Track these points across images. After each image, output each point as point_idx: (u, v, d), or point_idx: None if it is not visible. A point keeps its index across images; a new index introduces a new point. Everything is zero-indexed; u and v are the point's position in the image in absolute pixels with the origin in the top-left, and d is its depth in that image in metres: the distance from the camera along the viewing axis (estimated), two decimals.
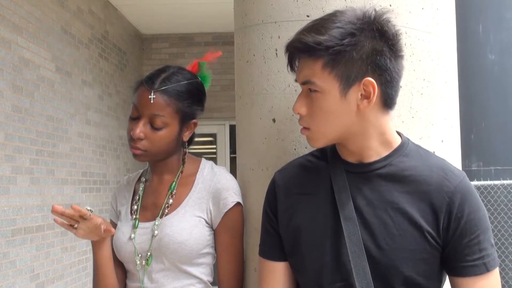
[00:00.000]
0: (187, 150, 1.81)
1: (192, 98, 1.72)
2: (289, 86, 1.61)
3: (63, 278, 5.23)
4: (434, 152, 1.60)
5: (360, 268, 1.26)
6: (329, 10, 1.57)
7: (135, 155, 1.69)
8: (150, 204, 1.75)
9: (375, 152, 1.34)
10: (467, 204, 1.28)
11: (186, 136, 1.74)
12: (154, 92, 1.66)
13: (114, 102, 6.78)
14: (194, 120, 1.75)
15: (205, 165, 1.77)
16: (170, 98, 1.67)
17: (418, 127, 1.59)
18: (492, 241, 1.31)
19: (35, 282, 4.68)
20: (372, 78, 1.26)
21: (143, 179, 1.83)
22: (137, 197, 1.79)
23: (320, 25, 1.28)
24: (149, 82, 1.69)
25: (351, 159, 1.36)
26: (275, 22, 1.63)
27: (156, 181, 1.78)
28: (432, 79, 1.62)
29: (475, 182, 5.01)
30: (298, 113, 1.33)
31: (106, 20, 6.68)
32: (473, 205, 1.29)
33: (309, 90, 1.30)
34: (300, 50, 1.29)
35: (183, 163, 1.78)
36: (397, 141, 1.36)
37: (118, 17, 7.15)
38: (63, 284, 5.23)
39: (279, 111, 1.62)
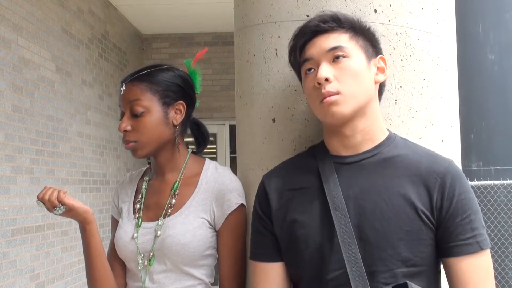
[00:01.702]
0: (197, 149, 1.82)
1: (168, 79, 1.72)
2: (289, 86, 1.61)
3: (63, 278, 5.23)
4: None
5: (351, 256, 1.28)
6: (329, 10, 1.57)
7: (132, 152, 1.70)
8: (153, 203, 1.75)
9: (370, 139, 1.39)
10: (458, 184, 1.32)
11: (177, 119, 1.72)
12: (125, 84, 1.71)
13: (114, 102, 6.78)
14: (180, 101, 1.72)
15: (209, 166, 1.76)
16: (142, 82, 1.70)
17: (418, 127, 1.59)
18: (483, 223, 1.34)
19: (35, 282, 4.69)
20: None
21: (146, 178, 1.82)
22: (140, 196, 1.78)
23: (334, 12, 1.43)
24: (122, 81, 1.74)
25: (343, 150, 1.40)
26: (275, 22, 1.63)
27: (159, 180, 1.77)
28: (432, 79, 1.62)
29: (475, 182, 5.01)
30: (326, 79, 1.32)
31: (106, 20, 6.68)
32: (464, 186, 1.33)
33: (334, 59, 1.35)
34: (328, 20, 1.37)
35: (187, 156, 1.77)
36: (385, 133, 1.43)
37: (118, 17, 7.15)
38: (63, 284, 5.23)
39: (279, 111, 1.62)
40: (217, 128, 8.22)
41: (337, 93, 1.33)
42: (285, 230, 1.40)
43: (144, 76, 1.71)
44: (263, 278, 1.45)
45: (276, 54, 1.63)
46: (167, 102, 1.70)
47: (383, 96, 1.55)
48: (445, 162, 1.37)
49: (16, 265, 4.37)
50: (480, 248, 1.30)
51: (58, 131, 5.19)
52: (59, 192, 1.61)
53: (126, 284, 1.78)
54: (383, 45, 1.57)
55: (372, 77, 1.39)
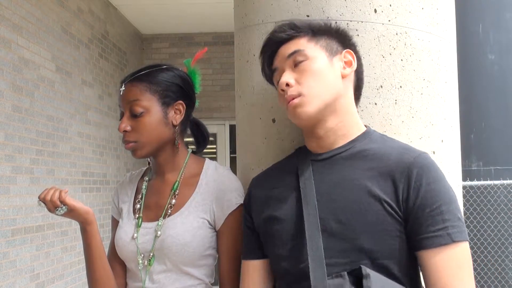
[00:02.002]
0: (195, 148, 1.82)
1: (167, 78, 1.73)
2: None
3: (63, 278, 5.23)
4: (434, 152, 1.61)
5: (314, 248, 1.30)
6: (329, 10, 1.57)
7: (131, 152, 1.70)
8: (153, 203, 1.75)
9: (343, 135, 1.40)
10: (426, 174, 1.28)
11: (177, 119, 1.72)
12: (124, 84, 1.71)
13: (114, 102, 6.78)
14: (180, 101, 1.73)
15: (209, 166, 1.76)
16: (141, 82, 1.70)
17: (418, 127, 1.59)
18: (460, 215, 1.29)
19: (35, 282, 4.69)
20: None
21: (146, 178, 1.82)
22: (140, 196, 1.78)
23: (291, 20, 1.48)
24: (122, 81, 1.74)
25: (319, 150, 1.42)
26: (275, 22, 1.63)
27: (159, 181, 1.77)
28: (432, 79, 1.62)
29: (475, 182, 5.01)
30: (287, 84, 1.37)
31: (106, 20, 6.68)
32: (433, 176, 1.29)
33: (295, 64, 1.39)
34: (286, 29, 1.42)
35: (187, 157, 1.77)
36: (362, 129, 1.43)
37: (118, 17, 7.15)
38: (63, 284, 5.23)
39: (279, 111, 1.62)
40: (217, 128, 8.22)
41: (299, 95, 1.36)
42: (263, 227, 1.46)
43: (143, 76, 1.71)
44: (246, 274, 1.51)
45: None
46: (166, 102, 1.70)
47: (383, 96, 1.55)
48: (415, 152, 1.34)
49: (16, 265, 4.37)
50: (451, 240, 1.25)
51: (58, 131, 5.19)
52: (60, 192, 1.61)
53: (126, 284, 1.78)
54: (383, 45, 1.57)
55: (337, 73, 1.40)
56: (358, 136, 1.41)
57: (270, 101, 1.64)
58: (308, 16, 1.57)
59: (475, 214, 5.06)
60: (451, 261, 1.25)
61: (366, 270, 1.22)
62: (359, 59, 1.46)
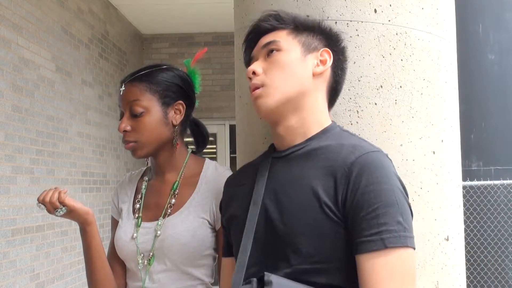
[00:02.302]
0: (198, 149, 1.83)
1: (167, 78, 1.73)
2: None
3: (63, 278, 5.23)
4: (434, 152, 1.60)
5: (243, 249, 1.28)
6: (329, 10, 1.57)
7: (131, 152, 1.70)
8: (153, 203, 1.75)
9: (303, 133, 1.35)
10: (366, 175, 1.20)
11: (176, 119, 1.72)
12: (124, 84, 1.72)
13: (114, 102, 6.78)
14: (180, 101, 1.73)
15: (209, 166, 1.76)
16: (141, 82, 1.70)
17: (418, 127, 1.59)
18: (400, 219, 1.18)
19: (35, 282, 4.69)
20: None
21: (146, 178, 1.82)
22: (140, 196, 1.78)
23: (276, 11, 1.44)
24: (122, 81, 1.75)
25: (281, 147, 1.38)
26: None
27: (159, 180, 1.77)
28: (432, 79, 1.62)
29: (475, 182, 5.01)
30: (254, 72, 1.34)
31: (106, 20, 6.68)
32: (375, 177, 1.20)
33: (268, 53, 1.36)
34: (270, 19, 1.40)
35: (187, 157, 1.77)
36: (322, 126, 1.37)
37: (118, 17, 7.15)
38: (63, 284, 5.23)
39: None
40: (217, 128, 8.22)
41: (262, 85, 1.33)
42: (226, 225, 1.47)
43: (143, 76, 1.71)
44: (223, 272, 1.55)
45: None
46: (166, 102, 1.70)
47: (383, 96, 1.55)
48: (360, 151, 1.25)
49: (16, 265, 4.37)
50: (384, 245, 1.16)
51: (58, 131, 5.19)
52: (60, 192, 1.61)
53: (126, 284, 1.78)
54: (383, 45, 1.57)
55: (308, 70, 1.35)
56: (317, 134, 1.35)
57: None
58: (308, 16, 1.57)
59: (475, 214, 5.06)
60: (382, 268, 1.16)
61: (270, 276, 1.17)
62: (341, 62, 1.42)
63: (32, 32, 4.72)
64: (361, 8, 1.57)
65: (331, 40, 1.42)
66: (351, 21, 1.57)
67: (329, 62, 1.37)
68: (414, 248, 1.20)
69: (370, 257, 1.16)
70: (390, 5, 1.59)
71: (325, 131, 1.35)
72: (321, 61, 1.37)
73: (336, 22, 1.55)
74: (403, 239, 1.17)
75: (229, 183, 1.52)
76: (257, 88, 1.33)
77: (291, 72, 1.33)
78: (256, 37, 1.43)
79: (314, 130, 1.35)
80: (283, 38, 1.36)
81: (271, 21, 1.40)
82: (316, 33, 1.40)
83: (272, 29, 1.40)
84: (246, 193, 1.38)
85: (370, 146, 1.28)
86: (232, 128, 8.05)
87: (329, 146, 1.30)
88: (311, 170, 1.27)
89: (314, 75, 1.35)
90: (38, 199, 1.62)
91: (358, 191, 1.19)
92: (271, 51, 1.35)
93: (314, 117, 1.36)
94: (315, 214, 1.22)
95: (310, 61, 1.36)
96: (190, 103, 1.77)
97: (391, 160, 1.29)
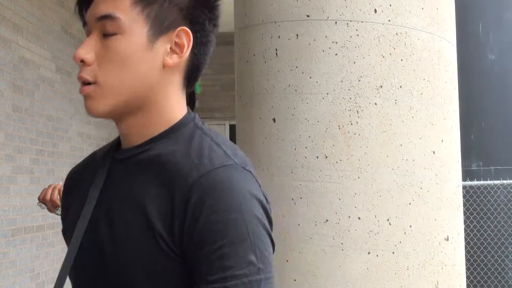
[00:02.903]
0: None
1: None
2: (289, 86, 1.61)
3: None
4: (434, 152, 1.60)
5: (58, 283, 1.05)
6: (329, 10, 1.57)
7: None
8: None
9: (146, 131, 1.03)
10: (209, 200, 0.90)
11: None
12: None
13: None
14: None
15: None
16: None
17: (418, 127, 1.59)
18: (253, 258, 0.90)
19: (35, 282, 4.69)
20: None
21: None
22: None
23: None
24: None
25: (123, 145, 1.08)
26: (275, 22, 1.63)
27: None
28: (432, 79, 1.62)
29: (475, 182, 5.01)
30: (83, 60, 0.98)
31: None
32: (220, 204, 0.90)
33: (103, 33, 0.99)
34: None
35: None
36: (170, 123, 1.05)
37: None
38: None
39: (279, 111, 1.62)
40: (217, 128, 8.23)
41: (94, 82, 0.99)
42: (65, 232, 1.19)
43: None
44: None
45: (276, 54, 1.63)
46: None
47: (383, 96, 1.55)
48: (206, 168, 0.94)
49: (16, 265, 4.37)
50: None
51: (58, 131, 5.19)
52: (59, 189, 1.61)
53: None
54: (383, 45, 1.57)
55: (157, 61, 1.00)
56: (162, 133, 1.02)
57: (270, 101, 1.64)
58: (308, 16, 1.57)
59: (475, 214, 5.06)
60: None
61: None
62: (206, 33, 1.09)
63: (32, 32, 4.72)
64: (361, 8, 1.57)
65: (188, 12, 1.04)
66: (351, 21, 1.57)
67: (188, 48, 1.02)
68: None
69: None
70: (390, 5, 1.59)
71: (174, 129, 1.03)
72: (176, 44, 1.01)
73: (336, 22, 1.55)
74: (256, 285, 0.89)
75: (69, 176, 1.19)
76: (86, 83, 0.99)
77: (133, 67, 0.99)
78: None
79: (162, 127, 1.03)
80: (126, 12, 0.98)
81: None
82: (171, 6, 1.02)
83: None
84: (77, 198, 1.08)
85: (222, 157, 0.96)
86: (232, 128, 8.05)
87: (174, 152, 0.99)
88: (149, 187, 0.97)
89: (164, 67, 1.01)
90: (38, 198, 1.62)
91: (199, 223, 0.90)
92: (108, 33, 0.98)
93: (163, 114, 1.04)
94: (148, 246, 0.93)
95: (161, 47, 1.00)
96: (190, 103, 1.78)
97: (251, 171, 0.98)
